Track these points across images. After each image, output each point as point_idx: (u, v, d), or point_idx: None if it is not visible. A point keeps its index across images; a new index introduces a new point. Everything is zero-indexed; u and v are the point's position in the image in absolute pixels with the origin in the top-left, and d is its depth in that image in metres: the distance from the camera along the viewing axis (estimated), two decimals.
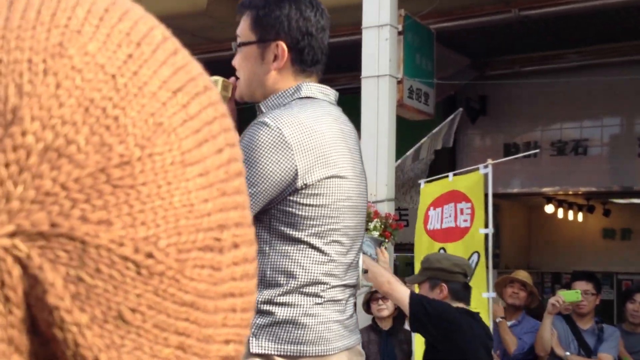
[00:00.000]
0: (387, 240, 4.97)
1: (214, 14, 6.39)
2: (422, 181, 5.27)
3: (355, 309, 1.88)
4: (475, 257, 4.55)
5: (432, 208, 5.01)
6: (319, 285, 1.74)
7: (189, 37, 6.81)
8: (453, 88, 7.54)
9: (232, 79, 1.89)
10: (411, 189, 5.71)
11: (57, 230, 0.33)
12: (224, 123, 0.40)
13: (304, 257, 1.72)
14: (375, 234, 4.59)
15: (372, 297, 4.59)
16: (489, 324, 4.27)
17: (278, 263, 1.73)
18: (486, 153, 7.54)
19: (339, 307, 1.78)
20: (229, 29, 7.52)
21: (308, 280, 1.73)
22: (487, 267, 4.57)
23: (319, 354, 1.73)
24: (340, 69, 6.61)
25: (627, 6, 6.23)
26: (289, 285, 1.72)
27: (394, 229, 5.03)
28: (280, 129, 1.66)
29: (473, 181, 4.78)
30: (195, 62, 0.41)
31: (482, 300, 4.35)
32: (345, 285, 1.80)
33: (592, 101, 8.00)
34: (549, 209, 9.54)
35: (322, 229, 1.73)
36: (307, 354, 1.72)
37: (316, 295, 1.73)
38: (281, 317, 1.72)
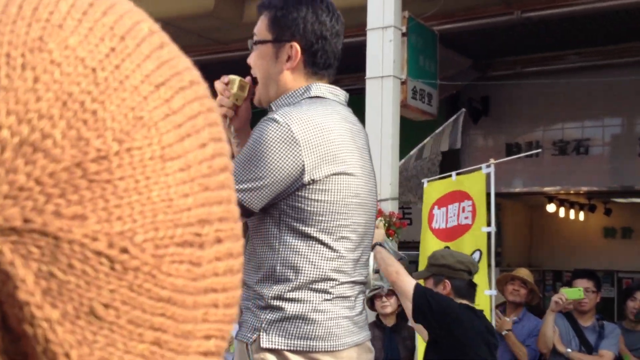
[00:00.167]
0: (391, 239, 5.02)
1: (221, 15, 6.41)
2: (425, 180, 5.27)
3: (364, 306, 1.89)
4: (477, 254, 4.56)
5: (436, 207, 4.99)
6: (328, 282, 1.75)
7: (195, 38, 6.87)
8: (455, 88, 7.60)
9: (248, 78, 1.93)
10: (417, 187, 5.73)
11: (30, 226, 0.33)
12: (210, 118, 0.39)
13: (313, 253, 1.74)
14: (376, 221, 4.63)
15: (375, 295, 4.63)
16: (492, 320, 4.32)
17: (287, 259, 1.74)
18: (488, 153, 7.58)
19: (348, 303, 1.79)
20: (235, 30, 7.62)
21: (317, 276, 1.74)
22: (490, 265, 4.61)
23: (329, 349, 1.74)
24: (344, 70, 6.62)
25: (627, 8, 6.27)
26: (298, 280, 1.74)
27: (398, 228, 5.06)
28: (288, 125, 1.69)
29: (476, 180, 4.79)
30: (182, 56, 0.40)
31: (484, 297, 4.38)
32: (354, 282, 1.81)
33: (593, 101, 8.04)
34: (551, 208, 9.57)
35: (331, 225, 1.75)
36: (317, 349, 1.74)
37: (325, 291, 1.75)
38: (291, 313, 1.74)
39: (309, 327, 1.74)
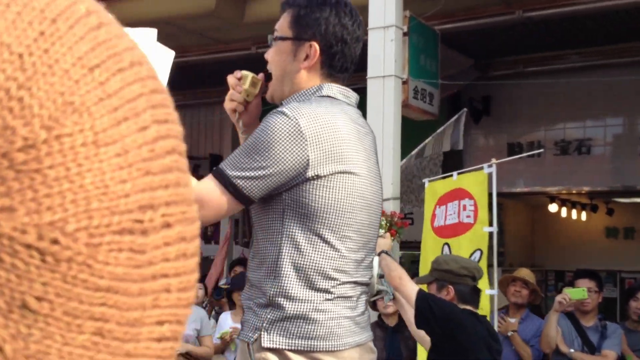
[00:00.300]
0: (392, 238, 5.02)
1: (222, 15, 6.43)
2: (426, 180, 5.27)
3: (367, 307, 1.89)
4: (477, 254, 4.57)
5: (438, 207, 5.01)
6: (329, 281, 1.75)
7: (196, 37, 6.88)
8: (456, 88, 7.60)
9: (261, 75, 1.93)
10: (418, 188, 5.73)
11: None
12: (153, 99, 0.38)
13: (315, 250, 1.74)
14: (381, 231, 4.64)
15: (380, 290, 4.64)
16: (494, 321, 4.32)
17: (289, 255, 1.75)
18: (490, 153, 7.58)
19: (350, 303, 1.79)
20: (236, 30, 7.63)
21: (318, 274, 1.74)
22: (492, 265, 4.61)
23: (330, 349, 1.74)
24: None
25: (627, 8, 6.28)
26: (300, 278, 1.74)
27: (399, 227, 5.06)
28: (297, 119, 1.70)
29: (477, 180, 4.79)
30: (124, 36, 0.39)
31: (485, 297, 4.39)
32: (356, 283, 1.81)
33: (594, 101, 8.05)
34: (553, 208, 9.58)
35: (334, 223, 1.75)
36: (318, 349, 1.74)
37: (326, 290, 1.75)
38: (292, 312, 1.74)
39: (310, 327, 1.74)
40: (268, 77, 1.94)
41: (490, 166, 4.68)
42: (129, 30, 0.42)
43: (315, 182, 1.73)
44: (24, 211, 0.32)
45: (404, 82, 5.62)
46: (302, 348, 1.74)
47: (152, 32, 1.54)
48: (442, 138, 6.00)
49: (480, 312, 3.28)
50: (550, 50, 7.78)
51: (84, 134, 0.34)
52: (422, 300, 2.94)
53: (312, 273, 1.74)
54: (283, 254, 1.75)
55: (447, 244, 4.77)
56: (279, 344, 1.74)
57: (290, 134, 1.70)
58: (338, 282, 1.77)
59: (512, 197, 8.97)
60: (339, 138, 1.75)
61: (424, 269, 4.73)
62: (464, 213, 4.75)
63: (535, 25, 6.78)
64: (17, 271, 0.32)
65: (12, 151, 0.32)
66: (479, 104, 8.49)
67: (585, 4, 6.08)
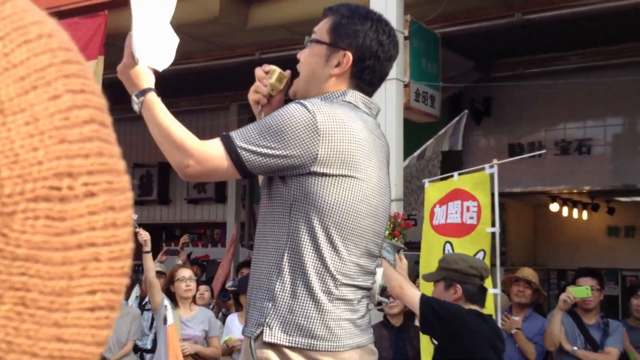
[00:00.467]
0: (404, 248, 5.07)
1: (226, 21, 6.47)
2: (426, 180, 5.27)
3: (367, 310, 1.90)
4: (481, 254, 4.57)
5: (437, 206, 5.00)
6: (331, 282, 1.77)
7: (201, 43, 6.93)
8: (457, 89, 7.66)
9: (288, 72, 1.98)
10: (418, 189, 5.74)
11: None
12: (67, 70, 0.38)
13: (319, 251, 1.76)
14: (385, 232, 4.67)
15: (382, 295, 4.68)
16: (497, 320, 4.36)
17: (294, 253, 1.77)
18: (491, 153, 7.63)
19: (350, 306, 1.80)
20: (240, 36, 7.68)
21: (320, 275, 1.76)
22: (495, 265, 4.65)
23: (330, 349, 1.76)
24: None
25: (626, 9, 6.32)
26: (303, 277, 1.76)
27: (403, 228, 5.10)
28: (315, 113, 1.74)
29: (479, 181, 4.78)
30: (33, 10, 0.38)
31: (489, 295, 4.42)
32: (358, 287, 1.82)
33: (594, 102, 8.09)
34: (554, 207, 9.61)
35: (339, 223, 1.77)
36: (317, 348, 1.75)
37: (327, 291, 1.76)
38: (294, 310, 1.76)
39: (311, 326, 1.75)
40: (294, 75, 1.97)
41: (491, 167, 4.69)
42: None
43: (323, 179, 1.75)
44: None
45: (406, 85, 5.66)
46: (302, 346, 1.75)
47: None
48: (442, 139, 6.04)
49: (484, 311, 3.28)
50: (550, 52, 7.82)
51: None
52: (426, 304, 2.95)
53: (314, 272, 1.76)
54: (288, 250, 1.78)
55: (449, 242, 4.78)
56: (279, 340, 1.75)
57: (304, 125, 1.73)
58: (339, 283, 1.78)
59: (513, 197, 9.00)
60: (352, 142, 1.77)
61: (425, 267, 4.77)
62: (467, 214, 4.75)
63: (534, 27, 6.82)
64: None
65: None
66: (480, 105, 8.53)
67: (584, 5, 6.12)
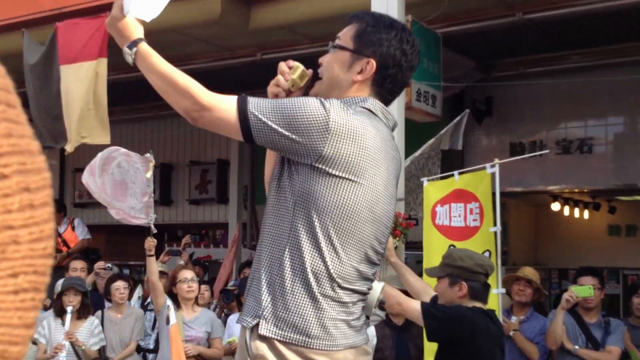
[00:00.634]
0: (397, 239, 5.08)
1: (227, 22, 6.47)
2: (425, 179, 5.27)
3: (362, 313, 1.90)
4: (486, 255, 4.57)
5: (439, 205, 4.98)
6: (328, 283, 1.78)
7: (203, 45, 6.95)
8: (459, 89, 7.67)
9: (310, 71, 1.99)
10: (417, 188, 5.73)
11: None
12: None
13: (319, 250, 1.78)
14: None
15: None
16: (500, 319, 4.37)
17: (295, 250, 1.79)
18: (493, 153, 7.65)
19: (345, 308, 1.82)
20: (241, 37, 7.69)
21: (318, 274, 1.78)
22: (497, 264, 4.66)
23: (324, 348, 1.77)
24: None
25: (627, 8, 6.33)
26: (302, 275, 1.77)
27: (404, 228, 5.11)
28: (329, 112, 1.76)
29: (481, 180, 4.78)
30: None
31: (493, 296, 4.43)
32: (354, 290, 1.84)
33: (596, 101, 8.10)
34: (555, 206, 9.62)
35: (339, 226, 1.78)
36: (312, 346, 1.77)
37: (324, 292, 1.78)
38: (291, 305, 1.77)
39: (306, 324, 1.77)
40: (315, 76, 1.99)
41: (493, 166, 4.70)
42: None
43: (325, 178, 1.77)
44: None
45: (407, 85, 5.67)
46: (297, 342, 1.77)
47: None
48: (443, 139, 6.04)
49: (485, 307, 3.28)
50: (551, 51, 7.83)
51: None
52: (428, 314, 2.94)
53: (313, 272, 1.78)
54: (289, 246, 1.79)
55: (453, 245, 4.77)
56: (273, 334, 1.77)
57: (316, 119, 1.75)
58: (337, 286, 1.79)
59: (514, 196, 9.01)
60: (360, 147, 1.78)
61: (428, 265, 4.77)
62: (471, 217, 4.74)
63: (536, 27, 6.83)
64: None
65: None
66: (482, 105, 8.55)
67: (585, 5, 6.12)
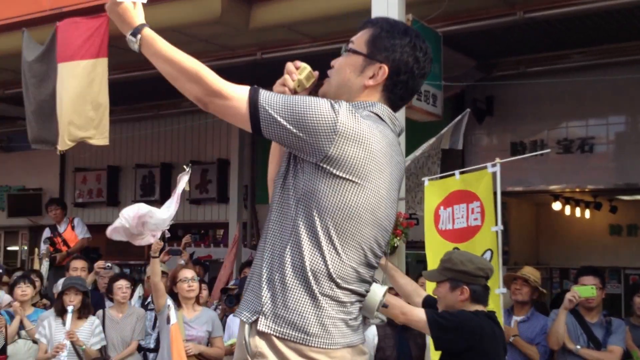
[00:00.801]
0: (399, 238, 5.07)
1: (227, 22, 6.48)
2: (425, 179, 5.26)
3: (359, 313, 1.90)
4: (488, 254, 4.54)
5: (442, 207, 4.96)
6: (327, 283, 1.78)
7: (203, 44, 6.96)
8: (460, 88, 7.66)
9: (316, 72, 1.99)
10: (416, 186, 5.72)
11: None
12: None
13: (320, 250, 1.78)
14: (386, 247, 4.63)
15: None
16: (501, 318, 4.36)
17: (296, 248, 1.79)
18: (494, 152, 7.65)
19: (343, 307, 1.82)
20: (241, 36, 7.66)
21: (319, 274, 1.78)
22: (498, 264, 4.65)
23: (322, 346, 1.77)
24: None
25: (629, 7, 6.33)
26: (303, 273, 1.78)
27: (405, 227, 5.11)
28: (338, 114, 1.76)
29: (482, 180, 4.76)
30: None
31: (495, 296, 4.42)
32: (352, 291, 1.84)
33: (597, 100, 8.09)
34: (557, 206, 9.62)
35: (340, 226, 1.78)
36: (310, 344, 1.77)
37: (323, 292, 1.78)
38: (291, 303, 1.77)
39: (305, 322, 1.77)
40: (321, 77, 1.99)
41: (494, 165, 4.69)
42: None
43: (329, 179, 1.78)
44: None
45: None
46: (295, 340, 1.77)
47: None
48: (443, 138, 6.03)
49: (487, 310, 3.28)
50: (552, 50, 7.82)
51: None
52: (434, 323, 2.93)
53: (313, 271, 1.78)
54: (291, 244, 1.80)
55: (457, 248, 4.74)
56: (271, 330, 1.77)
57: (324, 120, 1.76)
58: (335, 286, 1.80)
59: (515, 195, 9.01)
60: (365, 151, 1.78)
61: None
62: (472, 216, 4.72)
63: (537, 26, 6.83)
64: None
65: None
66: (483, 104, 8.54)
67: (586, 3, 6.11)
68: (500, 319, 4.34)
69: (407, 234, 5.12)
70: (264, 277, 1.82)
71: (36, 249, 9.27)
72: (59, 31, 6.54)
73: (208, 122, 10.39)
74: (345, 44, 1.99)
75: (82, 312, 5.70)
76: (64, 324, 5.56)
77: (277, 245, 1.83)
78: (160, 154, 11.42)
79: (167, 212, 4.26)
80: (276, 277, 1.79)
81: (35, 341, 5.92)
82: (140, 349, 6.02)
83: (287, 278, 1.78)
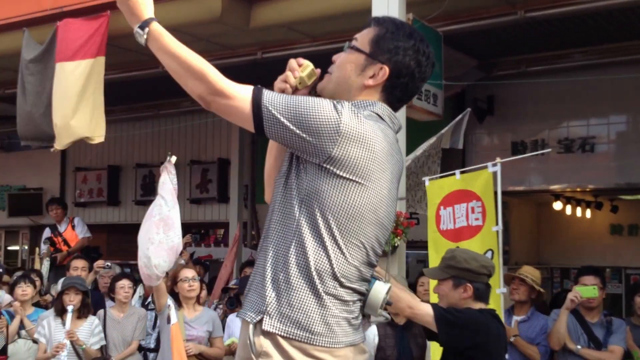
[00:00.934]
0: (399, 238, 5.06)
1: (228, 21, 6.48)
2: (426, 178, 5.26)
3: (360, 311, 1.92)
4: (489, 254, 4.53)
5: (442, 207, 4.96)
6: (332, 282, 1.79)
7: (204, 43, 6.95)
8: (460, 88, 7.66)
9: (319, 70, 1.99)
10: (416, 185, 5.71)
11: None
12: None
13: (325, 249, 1.79)
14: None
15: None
16: (502, 318, 4.36)
17: (299, 247, 1.79)
18: (494, 152, 7.64)
19: (346, 306, 1.83)
20: (242, 36, 7.66)
21: (323, 273, 1.79)
22: (499, 264, 4.64)
23: (326, 345, 1.78)
24: None
25: (631, 6, 6.32)
26: (307, 272, 1.78)
27: (406, 227, 5.10)
28: (342, 115, 1.77)
29: (482, 179, 4.77)
30: None
31: (496, 296, 4.42)
32: (354, 290, 1.85)
33: (598, 99, 8.08)
34: (557, 205, 9.61)
35: (344, 225, 1.79)
36: (315, 343, 1.77)
37: (327, 290, 1.79)
38: (295, 302, 1.78)
39: (309, 321, 1.78)
40: (323, 75, 1.99)
41: (494, 165, 4.69)
42: None
43: (333, 179, 1.78)
44: None
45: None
46: (300, 339, 1.77)
47: None
48: (444, 137, 6.03)
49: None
50: (553, 50, 7.81)
51: None
52: (441, 318, 2.92)
53: (318, 270, 1.79)
54: (295, 243, 1.80)
55: (458, 247, 4.75)
56: (276, 330, 1.78)
57: (328, 121, 1.76)
58: (339, 285, 1.81)
59: (516, 195, 9.00)
60: (368, 151, 1.79)
61: None
62: (473, 216, 4.73)
63: (538, 25, 6.82)
64: None
65: None
66: (483, 104, 8.53)
67: (587, 3, 6.10)
68: (501, 319, 4.34)
69: (407, 234, 5.11)
70: (268, 277, 1.82)
71: (37, 249, 9.27)
72: (59, 31, 6.54)
73: (208, 121, 10.39)
74: (349, 40, 1.99)
75: (82, 312, 5.69)
76: (63, 323, 5.56)
77: (281, 245, 1.83)
78: (160, 154, 11.41)
79: (177, 218, 4.21)
80: (280, 277, 1.80)
81: (35, 341, 5.91)
82: (140, 348, 6.02)
83: (292, 277, 1.78)
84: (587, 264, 5.42)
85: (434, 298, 3.65)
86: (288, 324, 1.77)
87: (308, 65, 1.97)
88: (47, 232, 8.96)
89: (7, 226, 13.07)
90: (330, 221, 1.79)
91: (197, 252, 10.41)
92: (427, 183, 5.19)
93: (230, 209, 10.44)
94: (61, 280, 6.16)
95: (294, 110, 1.78)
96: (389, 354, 4.62)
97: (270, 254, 1.84)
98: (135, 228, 4.74)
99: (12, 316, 6.07)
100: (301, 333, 1.77)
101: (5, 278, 7.56)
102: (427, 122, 6.25)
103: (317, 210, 1.79)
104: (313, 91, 2.00)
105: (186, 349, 5.03)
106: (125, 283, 5.99)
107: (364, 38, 1.95)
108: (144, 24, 1.87)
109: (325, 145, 1.76)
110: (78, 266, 6.87)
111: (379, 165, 1.82)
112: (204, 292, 6.45)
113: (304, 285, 1.78)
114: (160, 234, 4.46)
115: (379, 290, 1.97)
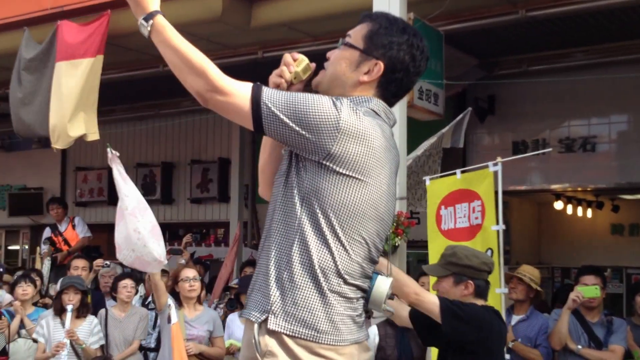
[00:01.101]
0: (400, 238, 5.06)
1: (229, 20, 6.48)
2: (427, 178, 5.26)
3: (363, 310, 1.92)
4: (489, 253, 4.55)
5: (443, 207, 4.97)
6: (336, 279, 1.80)
7: (204, 43, 6.94)
8: (461, 87, 7.65)
9: (313, 65, 1.98)
10: (416, 185, 5.71)
11: None
12: None
13: (328, 247, 1.79)
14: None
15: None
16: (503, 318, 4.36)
17: (303, 245, 1.79)
18: (495, 151, 7.63)
19: (350, 303, 1.84)
20: (242, 35, 7.66)
21: (327, 270, 1.79)
22: (499, 263, 4.64)
23: (331, 343, 1.78)
24: None
25: (632, 5, 6.31)
26: (311, 271, 1.78)
27: (406, 227, 5.10)
28: (341, 111, 1.77)
29: (483, 179, 4.77)
30: None
31: (496, 295, 4.41)
32: (357, 287, 1.86)
33: (599, 99, 8.08)
34: (558, 205, 9.61)
35: (346, 222, 1.80)
36: (321, 341, 1.78)
37: (332, 288, 1.79)
38: (300, 300, 1.78)
39: (315, 319, 1.78)
40: (318, 70, 1.99)
41: (495, 164, 4.68)
42: None
43: (333, 176, 1.78)
44: None
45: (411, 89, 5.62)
46: (306, 337, 1.77)
47: None
48: (444, 137, 6.03)
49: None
50: (555, 49, 7.81)
51: None
52: (448, 310, 2.91)
53: (322, 267, 1.79)
54: (297, 241, 1.80)
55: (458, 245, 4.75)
56: (282, 328, 1.78)
57: (327, 118, 1.76)
58: (343, 282, 1.81)
59: (517, 195, 9.00)
60: (367, 147, 1.80)
61: None
62: (473, 215, 4.73)
63: (539, 24, 6.82)
64: None
65: None
66: (484, 103, 8.53)
67: (589, 2, 6.09)
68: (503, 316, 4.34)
69: (407, 234, 5.11)
70: (272, 276, 1.82)
71: (37, 248, 9.27)
72: (59, 30, 6.54)
73: (209, 121, 10.39)
74: (342, 36, 1.98)
75: (81, 311, 5.69)
76: (62, 323, 5.55)
77: (284, 244, 1.83)
78: (161, 153, 11.42)
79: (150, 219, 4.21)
80: (284, 276, 1.79)
81: (34, 340, 5.91)
82: (140, 348, 6.01)
83: (296, 276, 1.78)
84: (588, 264, 5.41)
85: None
86: (293, 323, 1.77)
87: (303, 60, 1.97)
88: (47, 232, 8.96)
89: (7, 226, 13.07)
90: (332, 218, 1.79)
91: (197, 251, 10.40)
92: (427, 182, 5.19)
93: (230, 208, 10.43)
94: (60, 280, 6.16)
95: (294, 106, 1.77)
96: (389, 354, 4.61)
97: (273, 253, 1.84)
98: None
99: (12, 316, 6.07)
100: (307, 331, 1.77)
101: (6, 277, 7.56)
102: (428, 122, 6.25)
103: (318, 208, 1.79)
104: (308, 86, 2.00)
105: (187, 349, 5.03)
106: (128, 282, 5.99)
107: (357, 34, 1.95)
108: (149, 16, 1.87)
109: (325, 142, 1.76)
110: (78, 266, 6.87)
111: (378, 161, 1.82)
112: (203, 292, 6.45)
113: (309, 283, 1.78)
114: (141, 220, 4.50)
115: (382, 285, 1.97)
